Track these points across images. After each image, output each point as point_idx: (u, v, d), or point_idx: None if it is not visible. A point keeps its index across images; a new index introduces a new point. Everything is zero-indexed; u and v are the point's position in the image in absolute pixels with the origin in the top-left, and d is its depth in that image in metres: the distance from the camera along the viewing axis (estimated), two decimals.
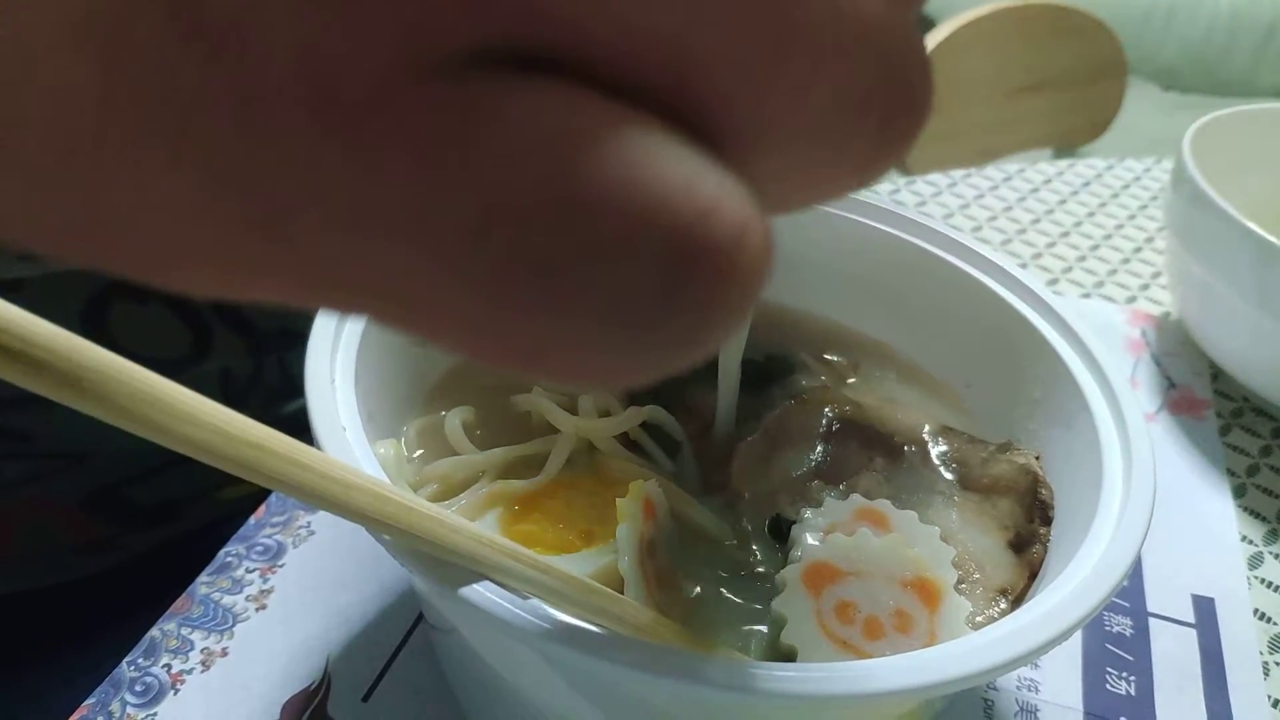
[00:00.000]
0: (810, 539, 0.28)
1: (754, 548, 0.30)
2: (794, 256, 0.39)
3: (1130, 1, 2.28)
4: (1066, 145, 1.31)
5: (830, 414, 0.32)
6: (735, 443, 0.31)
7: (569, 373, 0.12)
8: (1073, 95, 1.26)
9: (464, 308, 0.11)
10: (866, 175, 0.13)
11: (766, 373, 0.35)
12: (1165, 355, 0.57)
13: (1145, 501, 0.27)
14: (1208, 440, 0.51)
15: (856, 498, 0.29)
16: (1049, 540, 0.30)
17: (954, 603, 0.27)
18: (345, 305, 0.11)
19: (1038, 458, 0.32)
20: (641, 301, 0.11)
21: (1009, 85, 1.20)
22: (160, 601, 0.38)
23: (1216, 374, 0.56)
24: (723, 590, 0.29)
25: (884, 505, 0.29)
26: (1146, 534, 0.26)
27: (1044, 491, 0.31)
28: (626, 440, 0.32)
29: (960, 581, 0.28)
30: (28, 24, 0.10)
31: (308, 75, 0.10)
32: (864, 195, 0.40)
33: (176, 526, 0.55)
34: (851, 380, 0.37)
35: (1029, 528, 0.30)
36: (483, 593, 0.22)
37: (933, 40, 1.16)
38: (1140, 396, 0.54)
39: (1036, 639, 0.23)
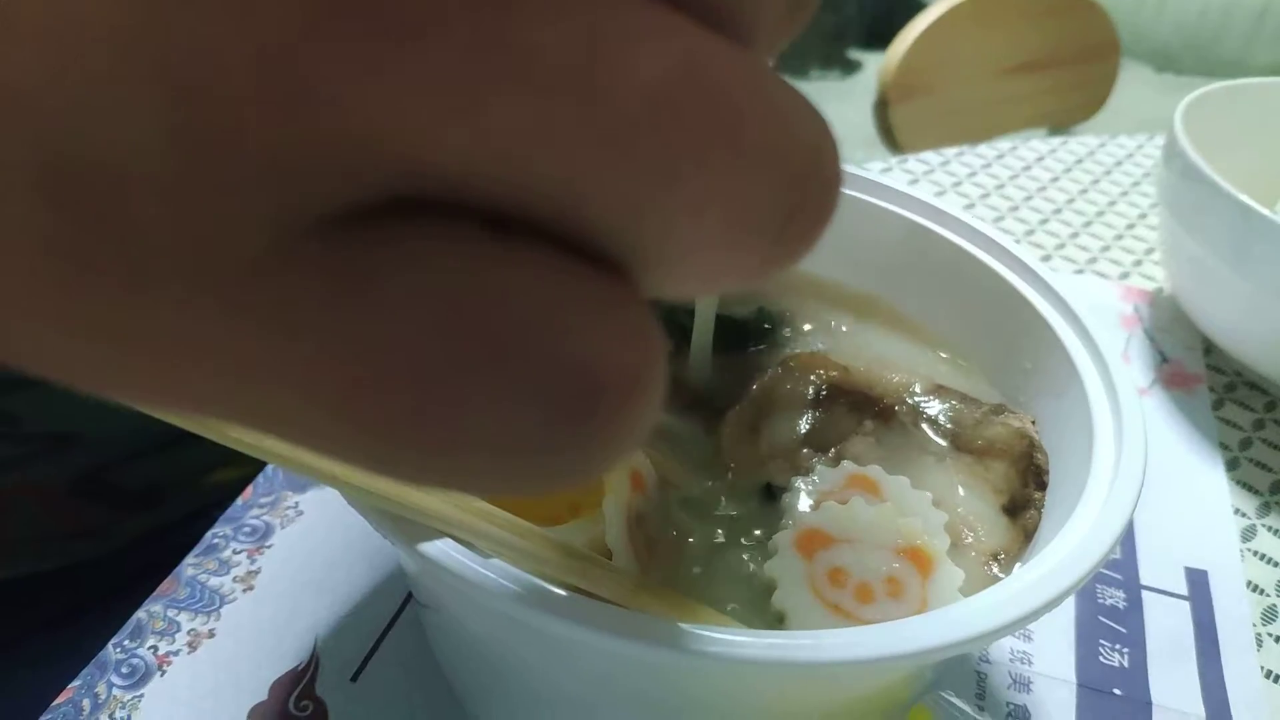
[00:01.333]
0: (802, 505, 0.28)
1: (746, 516, 0.29)
2: None
3: None
4: (1060, 125, 1.30)
5: (817, 379, 0.32)
6: (724, 386, 0.31)
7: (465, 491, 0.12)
8: (1066, 75, 1.26)
9: (352, 452, 0.11)
10: (770, 270, 0.12)
11: (754, 327, 0.35)
12: (1158, 330, 0.57)
13: (1137, 469, 0.27)
14: (1200, 414, 0.51)
15: (847, 464, 0.29)
16: (1043, 506, 0.29)
17: (947, 570, 0.27)
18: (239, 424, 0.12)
19: (1033, 421, 0.32)
20: (524, 447, 0.11)
21: (1001, 65, 1.19)
22: (147, 588, 0.37)
23: (1209, 348, 0.55)
24: (714, 558, 0.28)
25: (875, 472, 0.29)
26: (1138, 501, 0.26)
27: (1039, 456, 0.30)
28: None
29: (953, 546, 0.28)
30: None
31: (180, 250, 0.10)
32: (859, 171, 0.39)
33: (164, 512, 0.55)
34: (845, 329, 0.37)
35: (1023, 492, 0.30)
36: (454, 555, 0.22)
37: (926, 20, 1.15)
38: (1133, 371, 0.54)
39: (1027, 606, 0.23)
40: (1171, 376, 0.54)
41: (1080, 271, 0.62)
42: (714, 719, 0.27)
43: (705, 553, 0.29)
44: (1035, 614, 0.23)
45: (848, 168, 0.40)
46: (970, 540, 0.29)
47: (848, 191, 0.39)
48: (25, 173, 0.09)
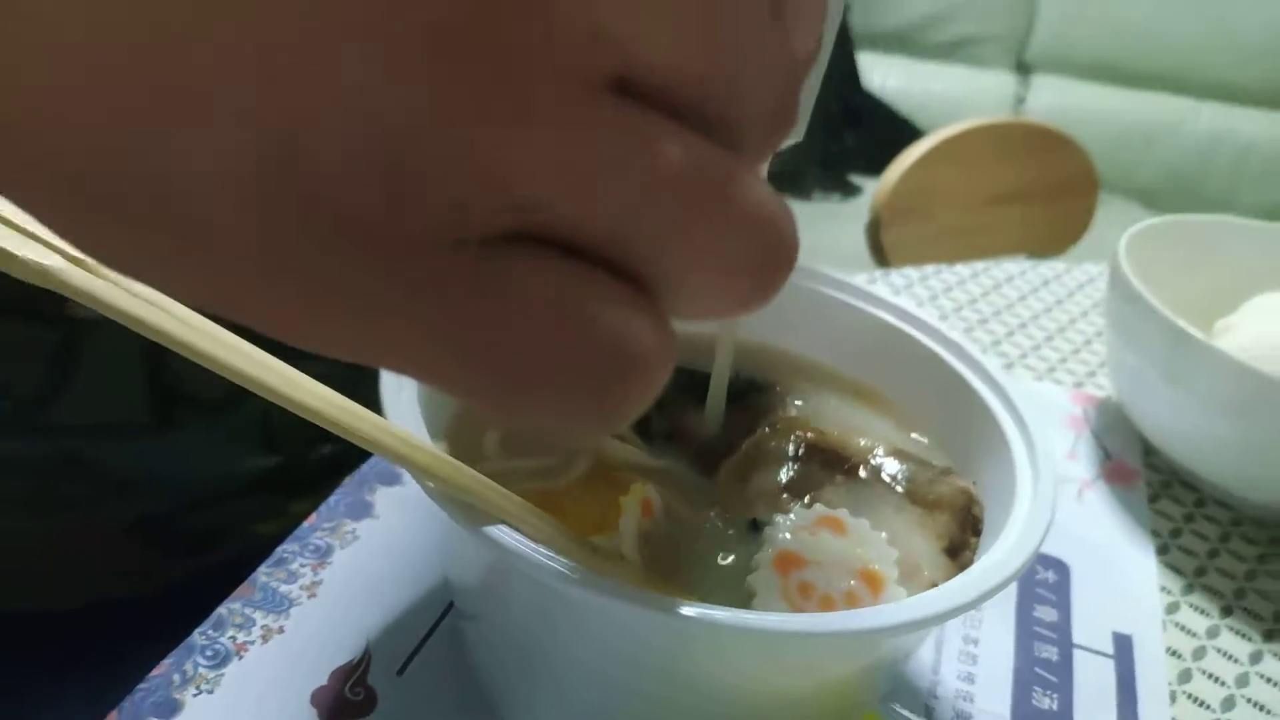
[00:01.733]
0: (781, 535, 0.35)
1: (734, 541, 0.36)
2: (787, 312, 0.46)
3: (1109, 122, 2.40)
4: (1040, 255, 1.40)
5: (798, 439, 0.39)
6: (721, 440, 0.39)
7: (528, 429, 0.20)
8: (1046, 207, 1.36)
9: (467, 389, 0.17)
10: (750, 305, 0.18)
11: (753, 392, 0.43)
12: (1104, 431, 0.64)
13: (1044, 515, 0.34)
14: (1137, 506, 0.58)
15: (819, 507, 0.36)
16: (976, 548, 0.36)
17: (895, 590, 0.34)
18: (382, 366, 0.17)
19: (974, 483, 0.39)
20: (575, 407, 0.16)
21: (986, 194, 1.30)
22: (187, 627, 0.41)
23: (1149, 449, 0.63)
24: (706, 572, 0.35)
25: (842, 514, 0.36)
26: (1045, 535, 0.33)
27: (977, 509, 0.37)
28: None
29: (901, 575, 0.34)
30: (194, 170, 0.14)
31: (360, 224, 0.15)
32: (850, 279, 0.47)
33: (213, 557, 0.58)
34: (828, 401, 0.44)
35: (962, 537, 0.37)
36: (508, 534, 0.29)
37: (919, 150, 1.26)
38: (1080, 466, 0.61)
39: (955, 601, 0.30)
40: (1113, 472, 0.61)
41: (1039, 379, 0.70)
42: (704, 686, 0.33)
43: (698, 568, 0.35)
44: (961, 609, 0.30)
45: (841, 276, 0.48)
46: (915, 573, 0.36)
47: (841, 296, 0.47)
48: (294, 181, 0.14)
